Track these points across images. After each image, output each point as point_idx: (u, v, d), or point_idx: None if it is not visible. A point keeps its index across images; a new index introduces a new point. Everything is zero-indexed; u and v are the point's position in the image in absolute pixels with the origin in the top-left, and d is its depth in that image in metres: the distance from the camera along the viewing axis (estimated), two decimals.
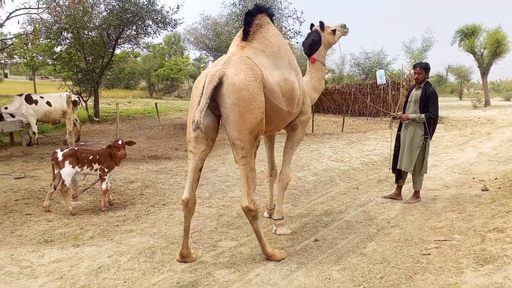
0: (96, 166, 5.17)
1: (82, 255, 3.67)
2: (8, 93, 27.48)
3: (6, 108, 10.19)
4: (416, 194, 5.44)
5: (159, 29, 16.13)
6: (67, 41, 16.27)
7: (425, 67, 5.23)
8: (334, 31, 4.71)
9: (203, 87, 3.23)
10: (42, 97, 10.24)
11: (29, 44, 15.77)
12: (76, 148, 5.12)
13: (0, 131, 9.62)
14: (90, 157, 5.15)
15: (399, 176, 5.52)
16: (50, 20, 14.95)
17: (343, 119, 14.79)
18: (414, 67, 5.37)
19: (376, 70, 16.57)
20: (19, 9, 13.28)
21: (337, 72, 41.24)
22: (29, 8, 13.27)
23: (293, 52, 4.37)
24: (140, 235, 4.28)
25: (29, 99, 10.01)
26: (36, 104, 10.07)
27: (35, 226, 4.48)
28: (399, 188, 5.60)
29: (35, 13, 13.87)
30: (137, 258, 3.60)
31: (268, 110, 3.56)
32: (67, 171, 4.96)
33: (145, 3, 15.16)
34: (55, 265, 3.44)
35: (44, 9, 14.00)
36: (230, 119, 3.24)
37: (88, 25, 15.29)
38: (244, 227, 4.57)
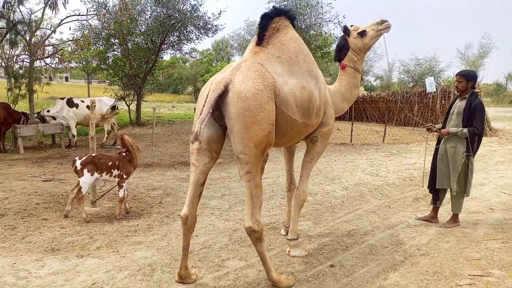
0: (115, 172, 5.11)
1: (81, 268, 3.55)
2: (64, 95, 29.09)
3: (48, 111, 10.65)
4: (455, 218, 4.85)
5: (201, 35, 16.30)
6: (114, 47, 16.91)
7: (466, 75, 4.66)
8: (362, 32, 4.28)
9: (207, 95, 2.99)
10: (82, 101, 10.58)
11: (79, 49, 16.63)
12: (94, 155, 5.08)
13: (41, 133, 10.04)
14: (109, 163, 5.09)
15: (437, 196, 4.96)
16: (99, 27, 15.60)
17: (385, 128, 14.01)
18: (455, 75, 4.81)
19: (425, 78, 15.64)
20: (70, 16, 13.95)
21: (385, 79, 39.85)
22: (79, 15, 13.87)
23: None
24: (147, 248, 4.11)
25: (70, 103, 10.38)
26: (77, 108, 10.42)
27: (47, 233, 4.46)
28: (436, 210, 5.03)
29: (85, 20, 14.52)
30: (134, 276, 3.40)
31: (280, 121, 3.26)
32: (86, 179, 4.93)
33: (189, 9, 15.39)
34: (51, 278, 3.33)
35: (92, 15, 14.63)
36: (234, 130, 2.97)
37: (133, 31, 15.74)
38: None
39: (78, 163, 4.96)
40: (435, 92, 18.13)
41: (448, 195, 4.95)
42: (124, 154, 5.26)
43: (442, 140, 4.87)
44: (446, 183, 4.76)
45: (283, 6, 3.46)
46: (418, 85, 26.24)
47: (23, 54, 13.32)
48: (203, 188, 3.25)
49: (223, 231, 4.67)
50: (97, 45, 16.41)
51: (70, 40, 14.53)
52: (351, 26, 4.47)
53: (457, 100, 4.83)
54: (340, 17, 11.55)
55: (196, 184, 3.17)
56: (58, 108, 10.37)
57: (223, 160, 9.50)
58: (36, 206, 5.40)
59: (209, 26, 15.49)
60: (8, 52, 12.96)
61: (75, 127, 10.58)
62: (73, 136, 10.60)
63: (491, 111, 26.43)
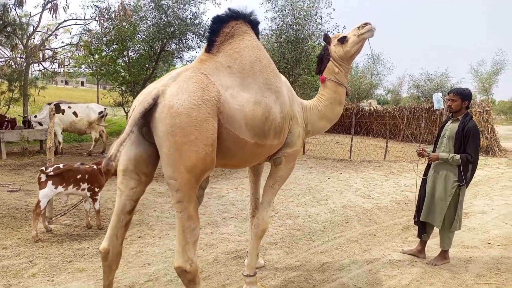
0: (84, 185, 4.74)
1: None
2: (73, 100, 29.11)
3: (35, 116, 10.36)
4: (444, 254, 4.27)
5: (201, 43, 15.97)
6: (116, 53, 16.69)
7: (461, 93, 4.13)
8: (342, 39, 3.78)
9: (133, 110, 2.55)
10: (69, 107, 10.26)
11: (80, 54, 16.46)
12: (61, 166, 4.67)
13: (26, 139, 9.72)
14: (78, 176, 4.71)
15: (423, 229, 4.39)
16: (100, 32, 15.40)
17: (386, 144, 13.39)
18: (448, 93, 4.28)
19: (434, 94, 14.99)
20: (68, 20, 13.79)
21: (395, 93, 39.11)
22: (76, 19, 13.69)
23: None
24: (87, 277, 3.63)
25: (57, 109, 10.04)
26: (63, 114, 10.09)
27: None
28: (423, 243, 4.46)
29: (83, 24, 14.34)
30: None
31: (226, 142, 2.78)
32: (47, 191, 4.52)
33: (189, 16, 15.09)
34: None
35: (91, 20, 14.44)
36: (163, 151, 2.50)
37: (133, 38, 15.50)
38: (214, 278, 3.76)
39: (43, 174, 4.55)
40: (443, 109, 17.49)
41: (436, 228, 4.38)
42: (95, 166, 4.90)
43: (432, 166, 4.32)
44: (430, 217, 4.21)
45: (243, 9, 3.05)
46: (428, 100, 25.53)
47: (19, 58, 13.14)
48: (131, 217, 2.77)
49: None
50: (105, 51, 16.18)
51: (68, 44, 14.32)
52: (329, 31, 4.00)
53: (449, 122, 4.29)
54: (341, 28, 11.15)
55: (120, 211, 2.69)
56: (44, 113, 10.07)
57: (213, 173, 9.03)
58: None
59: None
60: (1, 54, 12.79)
61: (61, 133, 10.23)
62: (59, 142, 10.25)
63: (504, 130, 25.53)
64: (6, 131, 9.54)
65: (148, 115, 2.54)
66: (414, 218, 4.48)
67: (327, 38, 3.89)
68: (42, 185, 4.51)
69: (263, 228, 3.51)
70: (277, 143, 3.24)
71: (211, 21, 3.01)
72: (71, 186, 4.64)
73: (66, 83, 60.46)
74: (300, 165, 10.89)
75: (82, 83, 67.87)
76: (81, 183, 4.73)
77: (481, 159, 13.54)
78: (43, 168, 4.58)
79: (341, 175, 9.67)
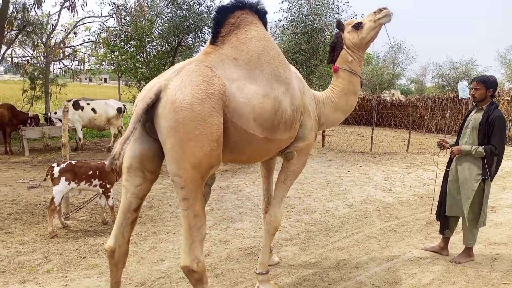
0: (95, 181, 4.77)
1: None
2: (96, 96, 29.67)
3: (55, 113, 10.55)
4: (468, 251, 4.05)
5: None
6: (134, 49, 16.80)
7: (485, 81, 3.87)
8: (357, 25, 3.59)
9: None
10: (88, 104, 10.37)
11: (98, 51, 16.67)
12: (74, 162, 4.71)
13: (47, 135, 9.91)
14: (89, 172, 4.74)
15: (446, 224, 4.18)
16: (117, 29, 15.53)
17: (409, 136, 12.99)
18: (471, 81, 4.03)
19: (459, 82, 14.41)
20: (85, 17, 13.95)
21: (414, 85, 38.05)
22: (94, 16, 13.83)
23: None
24: (99, 274, 3.63)
25: (76, 105, 10.19)
26: (82, 110, 10.22)
27: (1, 250, 4.06)
28: (446, 239, 4.25)
29: (100, 22, 14.49)
30: None
31: (233, 137, 2.68)
32: (61, 187, 4.56)
33: (205, 10, 15.00)
34: None
35: (108, 17, 14.57)
36: (166, 148, 2.42)
37: (149, 33, 15.55)
38: (226, 275, 3.69)
39: (56, 170, 4.59)
40: (469, 98, 16.87)
41: (460, 224, 4.16)
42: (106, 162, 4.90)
43: (454, 160, 4.10)
44: (458, 210, 3.99)
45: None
46: (452, 90, 24.67)
47: (40, 56, 13.41)
48: (137, 214, 2.71)
49: None
50: (123, 47, 16.31)
51: (86, 42, 14.51)
52: (346, 20, 3.82)
53: (473, 112, 4.04)
54: (359, 17, 10.76)
55: (126, 209, 2.64)
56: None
57: (230, 167, 8.99)
58: (7, 216, 5.07)
59: None
60: (22, 53, 13.07)
61: (81, 129, 10.38)
62: (79, 139, 10.42)
63: None
64: (28, 128, 9.74)
65: (151, 111, 2.46)
66: (437, 214, 4.27)
67: (340, 25, 3.71)
68: (55, 181, 4.55)
69: (275, 225, 3.40)
70: (288, 137, 3.11)
71: (215, 11, 2.89)
72: (83, 182, 4.68)
73: (90, 80, 61.76)
74: (319, 158, 10.71)
75: (105, 80, 69.24)
76: (92, 179, 4.77)
77: (510, 149, 12.97)
78: (54, 164, 4.62)
79: (361, 168, 9.43)
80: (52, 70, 14.11)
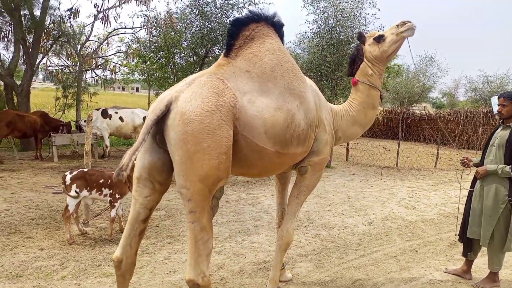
0: (106, 191, 4.79)
1: None
2: (127, 105, 30.54)
3: (85, 121, 10.86)
4: (493, 277, 3.82)
5: None
6: (163, 59, 17.21)
7: None
8: (379, 37, 3.51)
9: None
10: (116, 112, 10.66)
11: (129, 62, 17.18)
12: (85, 170, 4.79)
13: (75, 142, 10.23)
14: (101, 181, 4.78)
15: (469, 247, 3.97)
16: (148, 40, 15.97)
17: (437, 151, 12.56)
18: (498, 97, 3.85)
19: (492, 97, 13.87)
20: (117, 29, 14.43)
21: (451, 97, 36.93)
22: (125, 27, 14.30)
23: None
24: (112, 283, 3.65)
25: (104, 114, 10.49)
26: (110, 119, 10.50)
27: (21, 254, 4.18)
28: (469, 262, 4.04)
29: (131, 33, 14.96)
30: None
31: (244, 150, 2.66)
32: (73, 195, 4.65)
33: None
34: None
35: (139, 28, 15.01)
36: (175, 159, 2.43)
37: (178, 45, 15.89)
38: None
39: (68, 177, 4.70)
40: None
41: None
42: None
43: (478, 180, 3.90)
44: (476, 234, 3.78)
45: (266, 11, 2.89)
46: (485, 104, 23.77)
47: (73, 66, 13.95)
48: (145, 225, 2.71)
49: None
50: (154, 58, 16.73)
51: (118, 52, 14.99)
52: (367, 33, 3.75)
53: (499, 129, 3.85)
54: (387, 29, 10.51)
55: (135, 220, 2.64)
56: (93, 118, 10.53)
57: (251, 178, 8.95)
58: (30, 221, 5.22)
59: None
60: (58, 62, 13.64)
61: (108, 137, 10.65)
62: (106, 146, 10.69)
63: None
64: (57, 135, 10.10)
65: (161, 122, 2.48)
66: (459, 235, 4.07)
67: (361, 37, 3.64)
68: (67, 188, 4.62)
69: (287, 241, 3.33)
70: (301, 151, 3.05)
71: (230, 24, 2.90)
72: (94, 191, 4.69)
73: (123, 89, 63.65)
74: (342, 171, 10.51)
75: (137, 89, 71.17)
76: (103, 188, 4.73)
77: None
78: (68, 172, 4.70)
79: (385, 183, 9.17)
80: (84, 79, 14.61)
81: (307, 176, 3.30)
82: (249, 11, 2.96)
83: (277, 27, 3.08)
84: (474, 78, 28.07)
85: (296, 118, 2.88)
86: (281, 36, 3.12)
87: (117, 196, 4.82)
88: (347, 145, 12.88)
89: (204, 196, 2.45)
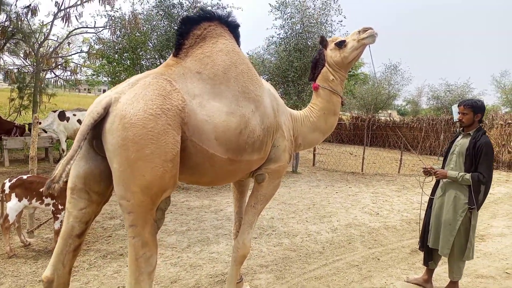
0: (47, 200, 4.38)
1: None
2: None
3: (40, 123, 10.26)
4: (453, 286, 3.78)
5: None
6: (128, 61, 16.68)
7: (473, 106, 3.68)
8: (340, 43, 3.40)
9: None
10: (74, 115, 10.16)
11: (91, 63, 16.52)
12: (25, 178, 4.39)
13: (28, 146, 9.63)
14: (41, 189, 4.39)
15: (430, 256, 3.92)
16: (111, 41, 15.42)
17: (401, 157, 12.80)
18: (458, 105, 3.84)
19: (453, 106, 14.29)
20: (78, 28, 13.84)
21: (413, 105, 38.11)
22: (87, 27, 13.73)
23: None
24: None
25: (61, 116, 9.97)
26: (68, 121, 9.99)
27: None
28: (430, 271, 3.99)
29: (93, 33, 14.38)
30: None
31: (193, 157, 2.45)
32: (13, 205, 4.26)
33: None
34: None
35: (102, 28, 14.46)
36: (113, 167, 2.19)
37: (143, 46, 15.45)
38: None
39: (7, 185, 4.30)
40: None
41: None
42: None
43: (439, 187, 3.88)
44: (437, 243, 3.74)
45: (215, 10, 2.79)
46: (447, 112, 24.64)
47: (31, 65, 13.22)
48: (81, 240, 2.45)
49: (159, 282, 3.82)
50: (118, 60, 16.15)
51: (78, 53, 14.38)
52: (330, 37, 3.65)
53: (459, 137, 3.84)
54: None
55: (68, 235, 2.37)
56: (49, 120, 9.97)
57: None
58: None
59: None
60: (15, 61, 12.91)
61: (65, 141, 10.12)
62: (63, 150, 10.14)
63: None
64: (9, 138, 9.48)
65: (99, 126, 2.24)
66: (419, 244, 4.03)
67: (323, 41, 3.53)
68: (7, 197, 4.24)
69: (243, 253, 3.15)
70: (257, 158, 2.88)
71: (180, 22, 2.70)
72: (34, 200, 4.30)
73: (89, 91, 61.63)
74: (308, 177, 10.46)
75: (104, 91, 69.11)
76: (44, 198, 4.33)
77: (503, 175, 12.79)
78: (6, 180, 4.32)
79: (351, 189, 9.18)
80: (43, 79, 13.88)
81: (265, 185, 3.13)
82: (201, 9, 2.79)
83: (232, 28, 2.91)
84: (436, 86, 29.05)
85: (251, 124, 2.71)
86: (236, 37, 2.96)
87: (60, 207, 4.36)
88: (314, 150, 12.89)
89: (146, 208, 2.23)
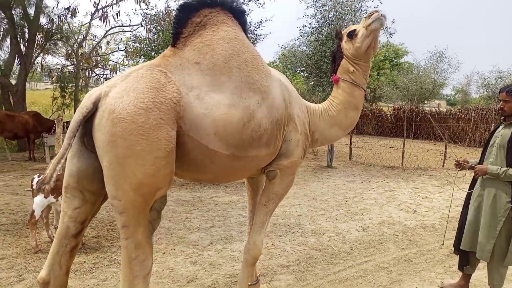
0: None
1: None
2: None
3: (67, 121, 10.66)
4: None
5: None
6: None
7: None
8: (351, 33, 3.14)
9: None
10: None
11: (129, 61, 16.96)
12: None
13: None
14: None
15: (466, 260, 3.53)
16: (147, 38, 15.71)
17: (445, 150, 12.01)
18: (500, 91, 3.40)
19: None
20: (114, 27, 14.21)
21: (463, 93, 35.96)
22: (122, 25, 14.06)
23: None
24: None
25: None
26: None
27: None
28: (466, 277, 3.61)
29: (130, 31, 14.71)
30: None
31: (192, 153, 2.30)
32: (38, 201, 4.34)
33: None
34: None
35: (137, 27, 14.75)
36: (104, 165, 2.09)
37: None
38: None
39: (35, 181, 4.40)
40: None
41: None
42: None
43: (478, 182, 3.47)
44: (475, 246, 3.35)
45: None
46: (496, 101, 22.93)
47: (71, 64, 13.77)
48: (78, 241, 2.37)
49: (175, 280, 3.73)
50: (155, 57, 16.49)
51: (116, 51, 14.77)
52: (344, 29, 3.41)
53: (500, 127, 3.40)
54: (388, 22, 10.02)
55: (63, 235, 2.30)
56: None
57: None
58: (0, 227, 4.95)
59: (249, 35, 14.72)
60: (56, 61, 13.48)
61: None
62: None
63: None
64: (50, 135, 9.88)
65: (90, 122, 2.14)
66: (454, 246, 3.64)
67: (338, 34, 3.29)
68: (34, 193, 4.32)
69: (255, 255, 2.96)
70: (266, 153, 2.68)
71: (177, 9, 2.53)
72: (61, 197, 4.36)
73: None
74: (343, 172, 10.07)
75: None
76: None
77: None
78: (35, 176, 4.41)
79: (388, 184, 8.70)
80: (84, 78, 14.41)
81: (276, 182, 2.92)
82: None
83: (237, 14, 2.71)
84: (487, 73, 27.11)
85: (257, 116, 2.50)
86: (242, 24, 2.75)
87: None
88: (350, 143, 12.43)
89: (139, 208, 2.10)
